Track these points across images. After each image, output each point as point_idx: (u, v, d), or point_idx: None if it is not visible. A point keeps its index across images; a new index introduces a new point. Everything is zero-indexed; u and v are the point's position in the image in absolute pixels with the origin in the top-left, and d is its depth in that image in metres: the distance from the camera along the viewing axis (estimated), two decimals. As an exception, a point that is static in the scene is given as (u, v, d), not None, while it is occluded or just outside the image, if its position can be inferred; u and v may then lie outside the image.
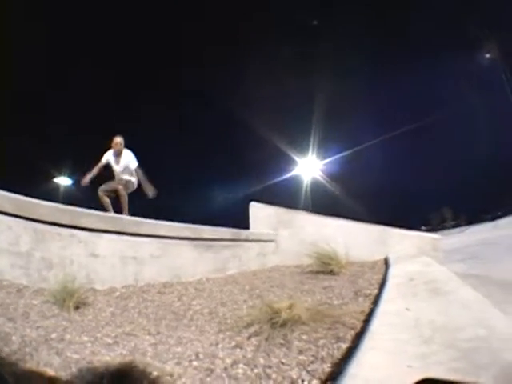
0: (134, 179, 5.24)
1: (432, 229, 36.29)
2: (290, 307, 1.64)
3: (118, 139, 5.14)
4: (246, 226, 4.91)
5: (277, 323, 1.68)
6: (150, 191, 5.22)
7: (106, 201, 4.97)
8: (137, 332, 1.94)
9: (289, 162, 23.11)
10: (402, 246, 5.15)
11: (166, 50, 26.92)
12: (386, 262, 3.76)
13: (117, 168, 5.13)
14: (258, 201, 5.10)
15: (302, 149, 24.23)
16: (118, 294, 2.69)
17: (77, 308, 2.25)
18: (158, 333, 1.92)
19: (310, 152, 24.34)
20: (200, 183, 29.63)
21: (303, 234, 4.51)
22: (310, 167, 23.44)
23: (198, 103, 32.62)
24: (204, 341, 1.76)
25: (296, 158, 23.18)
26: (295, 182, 23.29)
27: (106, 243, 3.01)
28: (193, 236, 3.65)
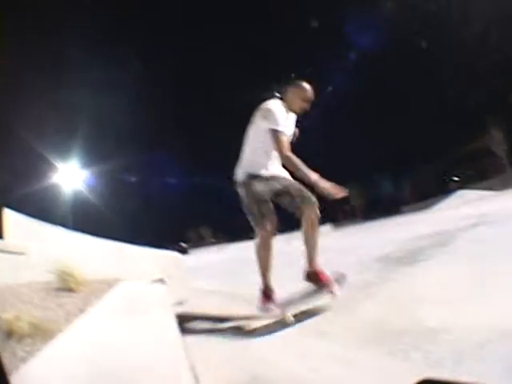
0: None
1: (192, 246, 40.03)
2: (17, 320, 1.93)
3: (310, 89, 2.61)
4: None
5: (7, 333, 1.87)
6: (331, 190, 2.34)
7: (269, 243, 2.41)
8: None
9: (48, 168, 20.38)
10: (144, 263, 5.87)
11: None
12: (120, 280, 4.16)
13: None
14: (12, 208, 4.39)
15: (64, 154, 21.95)
16: None
17: None
18: None
19: (73, 158, 22.55)
20: None
21: (54, 248, 4.42)
22: (71, 176, 21.09)
23: None
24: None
25: (56, 164, 20.49)
26: (55, 192, 20.73)
27: None
28: None
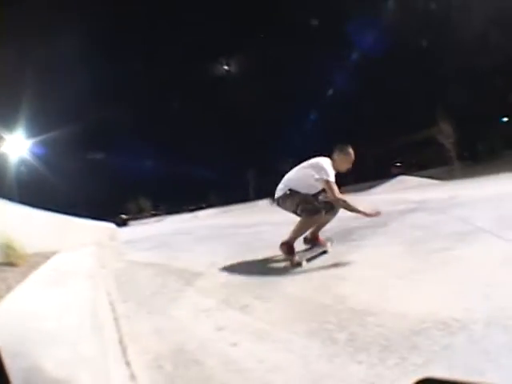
0: None
1: (132, 217, 39.01)
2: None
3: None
4: None
5: None
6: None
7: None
8: None
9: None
10: (81, 235, 5.89)
11: None
12: (57, 252, 4.23)
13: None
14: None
15: (9, 123, 21.21)
16: None
17: None
18: None
19: (19, 128, 21.29)
20: None
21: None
22: (17, 145, 20.45)
23: None
24: None
25: (2, 134, 19.32)
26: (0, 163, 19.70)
27: None
28: None
